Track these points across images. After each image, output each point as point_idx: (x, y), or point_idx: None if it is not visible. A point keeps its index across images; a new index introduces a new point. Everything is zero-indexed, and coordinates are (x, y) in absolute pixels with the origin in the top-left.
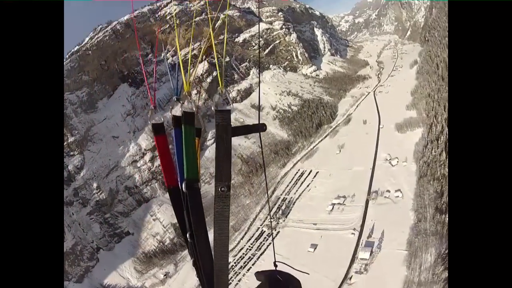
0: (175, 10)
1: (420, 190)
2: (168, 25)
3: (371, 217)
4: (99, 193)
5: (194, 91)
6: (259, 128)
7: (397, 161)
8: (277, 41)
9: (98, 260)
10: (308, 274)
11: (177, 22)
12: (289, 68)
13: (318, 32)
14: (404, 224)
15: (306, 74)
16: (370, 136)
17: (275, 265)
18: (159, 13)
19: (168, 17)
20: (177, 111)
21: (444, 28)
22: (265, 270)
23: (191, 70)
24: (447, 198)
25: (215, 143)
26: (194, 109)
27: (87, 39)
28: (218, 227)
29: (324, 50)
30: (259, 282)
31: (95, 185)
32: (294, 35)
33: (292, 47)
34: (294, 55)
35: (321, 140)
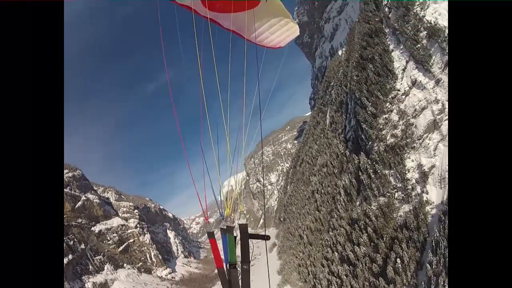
0: None
1: None
2: None
3: None
4: None
5: (232, 215)
6: (265, 237)
7: None
8: (132, 240)
9: None
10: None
11: None
12: (143, 270)
13: (171, 234)
14: None
15: (161, 276)
16: None
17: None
18: None
19: None
20: (223, 225)
21: (303, 197)
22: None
23: (228, 203)
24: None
25: (240, 240)
26: (232, 224)
27: None
28: None
29: (178, 253)
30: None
31: None
32: (148, 236)
33: (146, 248)
34: (148, 256)
35: None
